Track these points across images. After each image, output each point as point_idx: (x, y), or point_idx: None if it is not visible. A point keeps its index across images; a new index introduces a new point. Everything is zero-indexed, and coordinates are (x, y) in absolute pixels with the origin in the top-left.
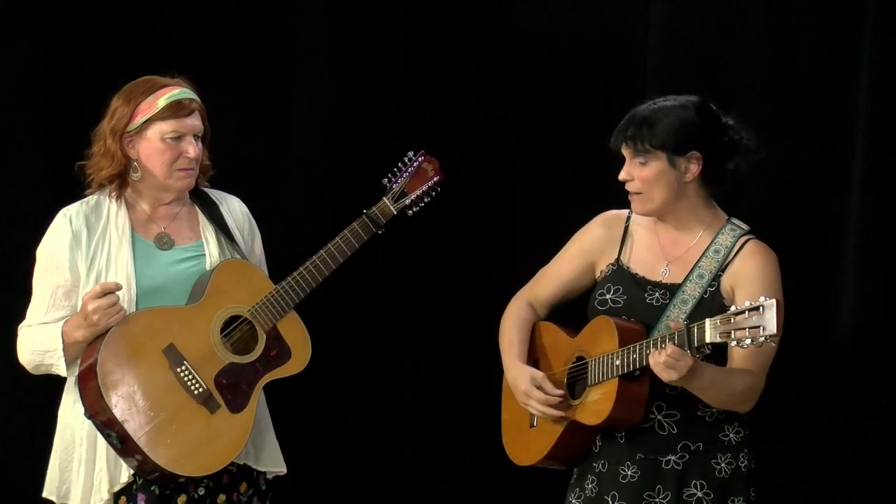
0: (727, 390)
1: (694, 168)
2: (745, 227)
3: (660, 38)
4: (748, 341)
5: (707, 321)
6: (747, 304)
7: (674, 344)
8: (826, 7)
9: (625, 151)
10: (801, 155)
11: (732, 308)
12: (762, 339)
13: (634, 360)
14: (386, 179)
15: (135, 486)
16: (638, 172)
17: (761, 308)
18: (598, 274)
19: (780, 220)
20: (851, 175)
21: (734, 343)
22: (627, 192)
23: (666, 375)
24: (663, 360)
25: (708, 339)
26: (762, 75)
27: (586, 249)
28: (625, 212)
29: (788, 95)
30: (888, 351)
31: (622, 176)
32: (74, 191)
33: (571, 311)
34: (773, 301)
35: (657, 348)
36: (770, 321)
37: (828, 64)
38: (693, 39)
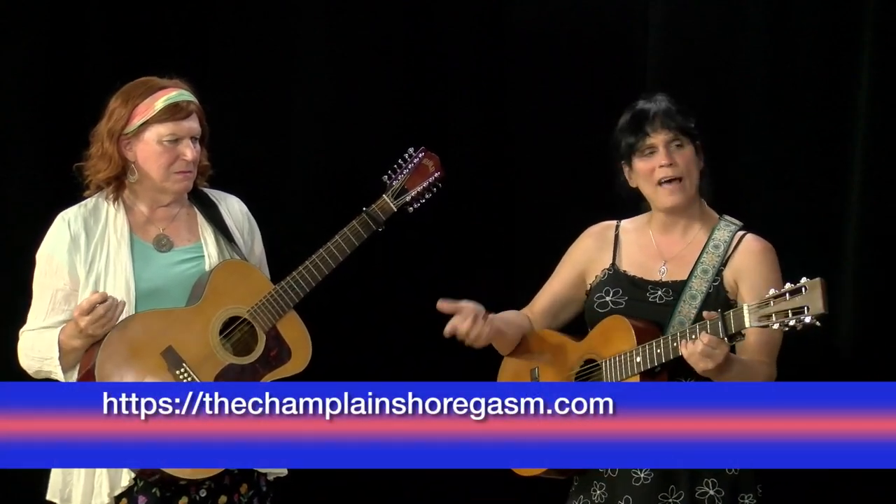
0: (753, 380)
1: (702, 157)
2: (738, 222)
3: (660, 38)
4: (792, 322)
5: (745, 307)
6: (787, 286)
7: (707, 333)
8: (826, 7)
9: (659, 138)
10: (801, 155)
11: (771, 291)
12: (808, 319)
13: (658, 354)
14: (386, 176)
15: (136, 489)
16: (680, 157)
17: (803, 289)
18: (591, 280)
19: (780, 220)
20: (851, 175)
21: (776, 326)
22: (662, 182)
23: (703, 365)
24: (700, 350)
25: (747, 325)
26: (762, 75)
27: (576, 261)
28: (613, 222)
29: (788, 95)
30: (888, 351)
31: (665, 161)
32: (74, 191)
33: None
34: (818, 280)
35: (688, 339)
36: (816, 300)
37: (828, 64)
38: (693, 39)
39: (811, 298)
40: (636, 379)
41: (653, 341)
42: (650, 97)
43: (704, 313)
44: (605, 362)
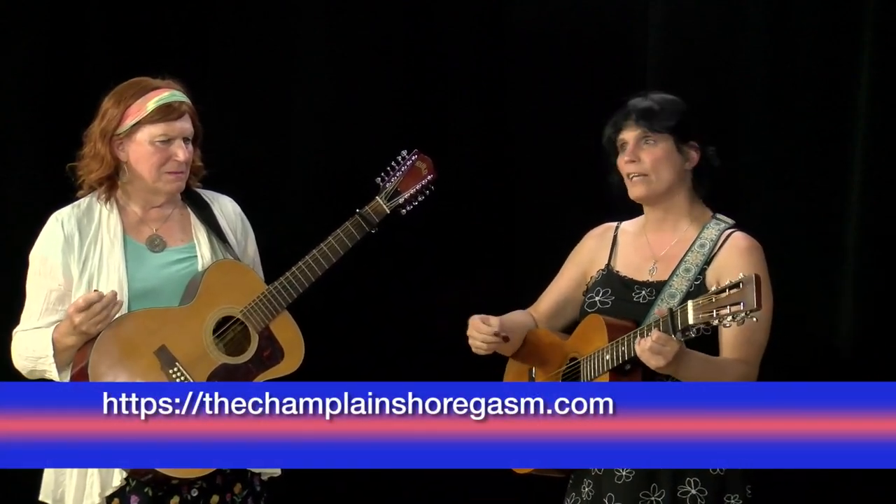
0: (717, 379)
1: (694, 156)
2: (730, 221)
3: (660, 38)
4: (729, 319)
5: (689, 303)
6: (728, 282)
7: (658, 330)
8: (826, 7)
9: (630, 134)
10: (801, 155)
11: (713, 288)
12: (743, 315)
13: (623, 352)
14: (379, 178)
15: (128, 489)
16: (647, 153)
17: (741, 284)
18: (588, 281)
19: (780, 220)
20: (851, 175)
21: (716, 322)
22: (630, 176)
23: (654, 362)
24: (649, 347)
25: (691, 321)
26: (762, 75)
27: (579, 262)
28: (614, 223)
29: (788, 95)
30: (888, 351)
31: (628, 157)
32: (73, 192)
33: None
34: (752, 276)
35: (642, 336)
36: (750, 296)
37: (828, 64)
38: (693, 39)
39: (745, 294)
40: (606, 376)
41: (620, 338)
42: (645, 94)
43: (656, 310)
44: (583, 361)
